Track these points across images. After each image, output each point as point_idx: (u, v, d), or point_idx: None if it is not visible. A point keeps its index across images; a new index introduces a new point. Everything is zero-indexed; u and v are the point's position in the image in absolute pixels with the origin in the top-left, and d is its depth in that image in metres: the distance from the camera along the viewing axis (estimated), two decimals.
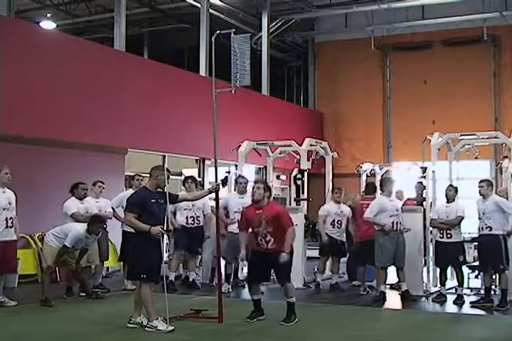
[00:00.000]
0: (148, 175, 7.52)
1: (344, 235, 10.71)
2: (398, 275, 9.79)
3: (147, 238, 7.11)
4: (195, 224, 10.42)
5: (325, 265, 10.84)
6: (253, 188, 7.77)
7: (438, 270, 9.89)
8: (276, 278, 7.79)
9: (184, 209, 10.31)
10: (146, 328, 7.12)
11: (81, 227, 8.97)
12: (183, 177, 11.18)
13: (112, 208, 10.16)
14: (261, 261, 7.62)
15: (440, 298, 9.55)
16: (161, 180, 7.31)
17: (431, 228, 10.05)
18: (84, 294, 9.41)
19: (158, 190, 7.35)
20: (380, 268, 9.59)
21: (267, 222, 7.51)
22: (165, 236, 7.61)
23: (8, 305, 8.66)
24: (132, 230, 7.45)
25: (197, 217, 10.44)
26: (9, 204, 8.57)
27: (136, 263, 7.33)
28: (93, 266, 9.96)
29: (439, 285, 9.83)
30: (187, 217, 10.39)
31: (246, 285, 9.62)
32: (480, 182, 9.10)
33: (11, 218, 8.56)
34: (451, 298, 9.50)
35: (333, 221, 10.60)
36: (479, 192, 9.06)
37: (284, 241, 7.46)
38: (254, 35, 19.24)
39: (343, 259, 11.25)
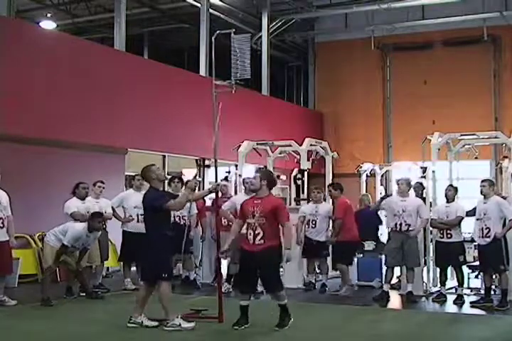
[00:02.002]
0: (143, 178, 7.54)
1: (323, 235, 10.48)
2: (406, 276, 9.76)
3: (166, 237, 7.12)
4: (181, 224, 10.42)
5: (312, 265, 10.79)
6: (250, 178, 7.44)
7: (438, 270, 9.89)
8: (265, 286, 7.37)
9: None
10: (166, 328, 7.06)
11: (80, 226, 8.96)
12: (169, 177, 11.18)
13: (112, 208, 10.15)
14: (249, 267, 7.14)
15: (440, 298, 9.55)
16: (160, 175, 7.33)
17: (431, 228, 10.05)
18: (84, 294, 9.40)
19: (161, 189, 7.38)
20: (386, 268, 9.66)
21: (262, 212, 7.00)
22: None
23: (8, 304, 8.66)
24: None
25: (183, 216, 10.41)
26: None
27: (157, 263, 7.19)
28: (93, 266, 9.96)
29: (439, 285, 9.84)
30: (174, 217, 10.38)
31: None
32: (482, 182, 9.09)
33: (0, 218, 8.53)
34: (451, 298, 9.50)
35: (308, 221, 10.55)
36: (481, 191, 9.04)
37: (273, 238, 7.08)
38: (254, 35, 19.24)
39: None
